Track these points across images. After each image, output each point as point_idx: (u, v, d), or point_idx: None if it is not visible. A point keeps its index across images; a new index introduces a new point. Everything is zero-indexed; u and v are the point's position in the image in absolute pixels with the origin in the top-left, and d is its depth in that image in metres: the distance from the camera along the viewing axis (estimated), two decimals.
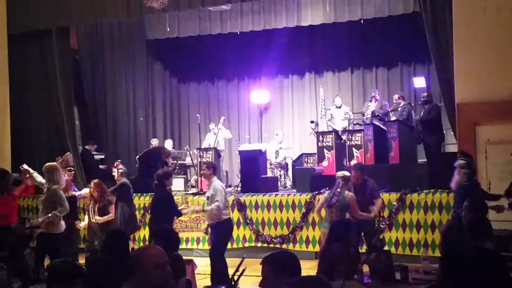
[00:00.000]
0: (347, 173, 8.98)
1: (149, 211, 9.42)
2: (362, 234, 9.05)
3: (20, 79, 13.71)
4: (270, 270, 3.57)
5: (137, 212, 12.37)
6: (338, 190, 8.71)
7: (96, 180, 10.19)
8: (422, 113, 12.25)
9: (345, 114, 14.10)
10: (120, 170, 10.96)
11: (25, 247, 7.16)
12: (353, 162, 12.08)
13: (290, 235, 11.34)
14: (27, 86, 13.86)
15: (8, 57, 13.45)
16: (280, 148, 14.79)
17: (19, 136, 13.63)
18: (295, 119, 16.95)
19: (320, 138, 12.71)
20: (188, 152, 15.19)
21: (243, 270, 6.09)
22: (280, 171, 14.48)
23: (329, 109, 14.84)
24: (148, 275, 3.57)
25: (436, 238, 9.78)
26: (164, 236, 6.09)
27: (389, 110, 13.32)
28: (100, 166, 14.52)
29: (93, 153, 14.63)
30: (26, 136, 13.86)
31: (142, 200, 12.45)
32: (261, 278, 3.71)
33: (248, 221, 11.64)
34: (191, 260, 7.56)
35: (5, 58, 13.38)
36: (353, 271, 6.00)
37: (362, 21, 14.74)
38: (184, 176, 14.22)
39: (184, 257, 6.41)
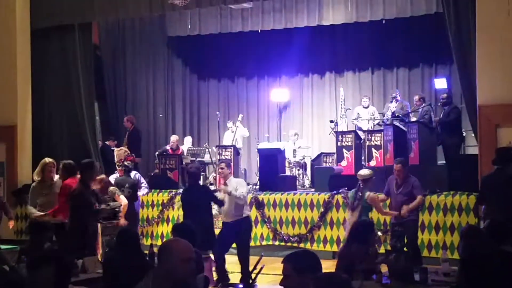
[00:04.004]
0: (364, 172, 8.97)
1: (186, 207, 9.10)
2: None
3: (42, 73, 13.79)
4: (291, 269, 3.58)
5: (155, 209, 12.47)
6: (360, 193, 8.72)
7: (102, 176, 10.30)
8: (441, 115, 12.18)
9: (371, 115, 14.06)
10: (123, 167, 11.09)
11: (46, 239, 7.21)
12: (372, 162, 12.10)
13: (307, 234, 11.34)
14: (48, 81, 13.94)
15: (31, 52, 13.55)
16: (299, 147, 14.76)
17: (40, 130, 13.72)
18: (314, 118, 16.92)
19: (340, 137, 12.69)
20: (207, 150, 15.23)
21: (261, 268, 6.10)
22: (298, 170, 14.47)
23: (350, 109, 14.85)
24: (175, 268, 3.60)
25: (455, 241, 9.73)
26: (182, 232, 6.12)
27: (410, 111, 13.26)
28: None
29: (112, 148, 14.69)
30: (47, 130, 13.94)
31: (160, 197, 12.48)
32: (280, 276, 3.72)
33: (266, 220, 11.65)
34: (209, 257, 7.58)
35: (28, 53, 13.48)
36: (371, 271, 6.00)
37: (384, 21, 14.69)
38: (202, 173, 14.24)
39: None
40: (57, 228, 8.22)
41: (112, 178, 10.89)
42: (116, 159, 11.75)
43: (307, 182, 14.38)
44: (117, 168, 11.27)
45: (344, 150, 12.49)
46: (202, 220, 8.36)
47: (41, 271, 3.75)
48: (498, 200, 7.98)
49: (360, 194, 8.71)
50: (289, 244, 11.39)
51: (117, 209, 9.01)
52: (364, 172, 9.03)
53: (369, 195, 8.74)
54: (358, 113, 14.37)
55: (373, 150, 12.24)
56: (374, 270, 5.98)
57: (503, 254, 4.54)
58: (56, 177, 9.44)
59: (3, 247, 7.54)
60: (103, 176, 10.55)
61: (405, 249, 8.73)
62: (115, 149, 12.53)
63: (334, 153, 13.17)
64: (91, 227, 8.18)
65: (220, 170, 9.43)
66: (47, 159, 9.59)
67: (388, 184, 9.17)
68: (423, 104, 12.91)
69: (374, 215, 9.61)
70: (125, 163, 11.42)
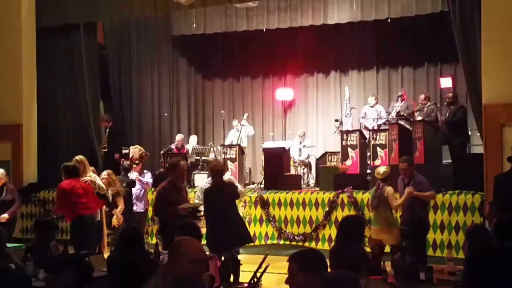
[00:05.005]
0: (382, 170, 8.95)
1: (213, 204, 8.75)
2: None
3: (47, 73, 13.83)
4: (297, 268, 3.58)
5: None
6: (379, 191, 8.72)
7: (108, 170, 10.34)
8: (447, 114, 12.17)
9: (377, 112, 14.06)
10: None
11: (51, 238, 7.25)
12: (377, 161, 12.09)
13: (312, 233, 11.34)
14: (54, 80, 13.98)
15: (36, 51, 13.58)
16: (303, 146, 14.77)
17: (46, 129, 13.76)
18: (319, 117, 16.90)
19: (344, 136, 12.69)
20: (212, 148, 15.23)
21: (266, 267, 6.12)
22: (303, 169, 14.47)
23: (355, 108, 14.84)
24: (185, 268, 3.60)
25: (460, 240, 9.72)
26: (186, 230, 6.13)
27: (415, 110, 13.25)
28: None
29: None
30: (52, 129, 13.99)
31: None
32: (285, 275, 3.73)
33: (271, 219, 11.65)
34: (215, 256, 7.58)
35: (33, 52, 13.51)
36: (376, 269, 6.00)
37: (389, 20, 14.66)
38: (207, 172, 14.25)
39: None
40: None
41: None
42: (131, 157, 11.69)
43: (312, 181, 14.37)
44: (132, 166, 11.24)
45: (349, 149, 12.49)
46: (232, 217, 8.39)
47: (62, 275, 3.75)
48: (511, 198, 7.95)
49: (379, 192, 8.73)
50: (294, 243, 11.39)
51: (199, 209, 8.77)
52: (381, 170, 9.01)
53: (387, 189, 8.76)
54: (365, 112, 14.36)
55: (378, 149, 12.23)
56: (379, 267, 5.99)
57: (508, 251, 4.54)
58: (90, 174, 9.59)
59: (9, 245, 7.56)
60: (110, 171, 10.60)
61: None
62: (131, 147, 12.49)
63: (339, 152, 13.16)
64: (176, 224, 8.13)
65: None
66: (76, 157, 9.72)
67: (398, 186, 9.17)
68: (429, 103, 12.90)
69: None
70: (124, 163, 11.43)
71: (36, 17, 13.52)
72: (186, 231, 6.00)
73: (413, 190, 8.77)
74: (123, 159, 13.02)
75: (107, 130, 13.79)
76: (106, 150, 13.60)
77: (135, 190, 10.83)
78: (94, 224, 9.29)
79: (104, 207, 9.98)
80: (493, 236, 5.69)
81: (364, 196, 10.83)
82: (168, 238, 7.65)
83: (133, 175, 11.10)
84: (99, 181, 9.58)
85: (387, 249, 8.88)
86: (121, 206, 10.17)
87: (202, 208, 8.68)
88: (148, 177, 11.19)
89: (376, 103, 14.40)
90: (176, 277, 3.61)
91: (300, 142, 14.85)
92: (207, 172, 13.71)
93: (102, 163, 13.43)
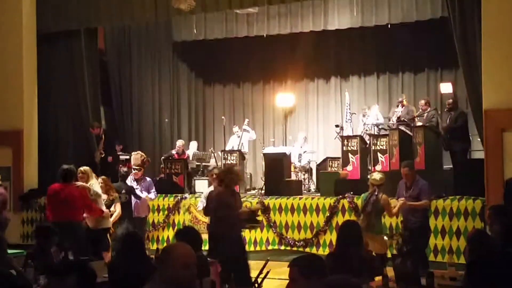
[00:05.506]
0: (378, 177, 8.96)
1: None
2: None
3: (48, 78, 13.84)
4: (298, 273, 3.59)
5: (160, 214, 12.47)
6: (374, 198, 8.72)
7: (103, 177, 10.33)
8: (448, 120, 12.16)
9: (375, 115, 14.10)
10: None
11: (52, 244, 7.25)
12: (378, 167, 12.10)
13: (313, 239, 11.33)
14: (54, 86, 13.99)
15: (37, 57, 13.59)
16: (304, 152, 14.78)
17: (46, 135, 13.76)
18: (320, 123, 16.93)
19: (345, 142, 12.70)
20: (212, 154, 15.24)
21: (267, 273, 6.12)
22: (304, 174, 14.47)
23: (355, 113, 14.85)
24: (175, 273, 3.59)
25: (461, 245, 9.72)
26: (186, 236, 6.12)
27: (415, 115, 13.25)
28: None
29: (118, 153, 14.70)
30: (53, 135, 13.99)
31: (166, 201, 12.50)
32: (286, 281, 3.73)
33: (272, 224, 11.65)
34: (216, 261, 7.57)
35: (34, 58, 13.52)
36: (376, 273, 6.00)
37: (389, 26, 14.69)
38: (207, 178, 14.26)
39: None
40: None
41: (128, 182, 10.99)
42: (132, 163, 11.64)
43: (312, 187, 14.37)
44: (133, 171, 11.20)
45: (350, 155, 12.51)
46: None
47: (64, 280, 3.74)
48: None
49: (374, 199, 8.72)
50: (294, 248, 11.39)
51: (258, 213, 8.56)
52: (378, 176, 9.01)
53: (382, 196, 8.76)
54: (364, 123, 14.39)
55: (379, 154, 12.24)
56: (379, 272, 5.99)
57: (510, 256, 4.53)
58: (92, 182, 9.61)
59: (9, 251, 7.55)
60: (105, 177, 10.59)
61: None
62: (132, 153, 12.48)
63: (339, 157, 13.18)
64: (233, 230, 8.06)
65: (215, 175, 9.53)
66: (80, 168, 9.71)
67: (399, 188, 9.19)
68: (429, 109, 12.90)
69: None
70: (121, 170, 11.39)
71: (36, 22, 13.53)
72: (184, 237, 6.00)
73: (405, 202, 8.82)
74: (121, 165, 13.00)
75: (102, 136, 13.80)
76: (103, 155, 13.60)
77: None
78: (80, 231, 9.23)
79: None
80: (498, 240, 5.68)
81: None
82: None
83: (142, 194, 11.01)
84: (96, 187, 9.54)
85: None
86: (118, 211, 10.12)
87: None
88: (153, 193, 11.11)
89: (369, 112, 14.39)
90: (169, 282, 3.61)
91: (301, 146, 14.86)
92: (207, 178, 13.76)
93: (99, 169, 13.44)
